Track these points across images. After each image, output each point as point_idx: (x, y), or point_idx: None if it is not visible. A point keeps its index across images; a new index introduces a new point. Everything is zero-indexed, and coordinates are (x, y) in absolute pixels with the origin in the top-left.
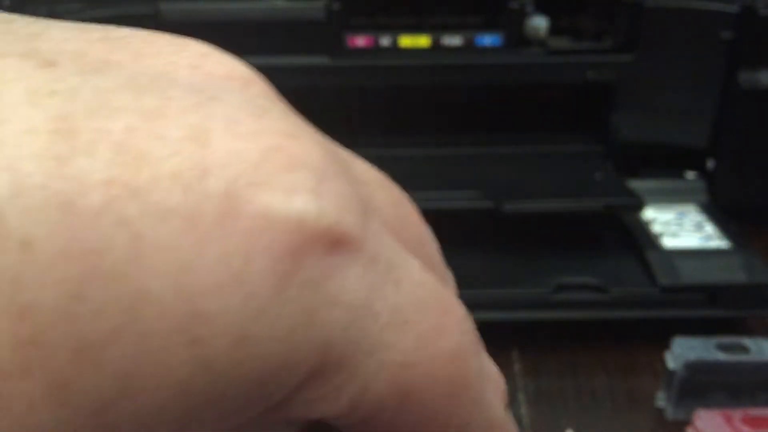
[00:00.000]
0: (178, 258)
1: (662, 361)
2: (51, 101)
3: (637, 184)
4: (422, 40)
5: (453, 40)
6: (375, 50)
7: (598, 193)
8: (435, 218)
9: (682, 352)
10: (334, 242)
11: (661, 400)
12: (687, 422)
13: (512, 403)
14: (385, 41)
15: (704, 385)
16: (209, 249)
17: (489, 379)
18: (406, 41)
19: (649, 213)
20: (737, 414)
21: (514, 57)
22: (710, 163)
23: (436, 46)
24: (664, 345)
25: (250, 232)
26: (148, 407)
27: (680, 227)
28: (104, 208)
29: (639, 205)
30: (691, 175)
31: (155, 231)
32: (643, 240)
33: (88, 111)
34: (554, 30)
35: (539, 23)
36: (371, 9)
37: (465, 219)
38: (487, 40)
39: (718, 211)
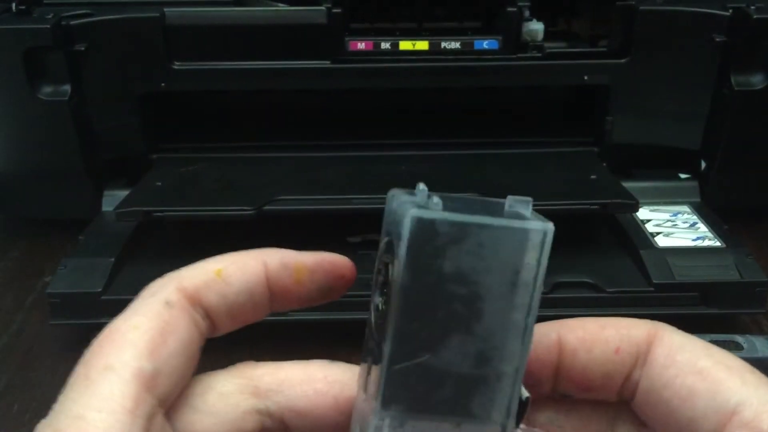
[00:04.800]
0: None
1: None
2: None
3: (631, 185)
4: (422, 44)
5: (452, 44)
6: (375, 54)
7: (593, 194)
8: None
9: None
10: None
11: None
12: None
13: None
14: (385, 45)
15: None
16: None
17: None
18: (406, 45)
19: (644, 213)
20: None
21: (512, 60)
22: (703, 165)
23: (435, 50)
24: None
25: None
26: None
27: (674, 227)
28: None
29: (634, 206)
30: (684, 176)
31: None
32: (637, 239)
33: None
34: (550, 34)
35: (536, 27)
36: (372, 13)
37: None
38: (485, 44)
39: (711, 211)
